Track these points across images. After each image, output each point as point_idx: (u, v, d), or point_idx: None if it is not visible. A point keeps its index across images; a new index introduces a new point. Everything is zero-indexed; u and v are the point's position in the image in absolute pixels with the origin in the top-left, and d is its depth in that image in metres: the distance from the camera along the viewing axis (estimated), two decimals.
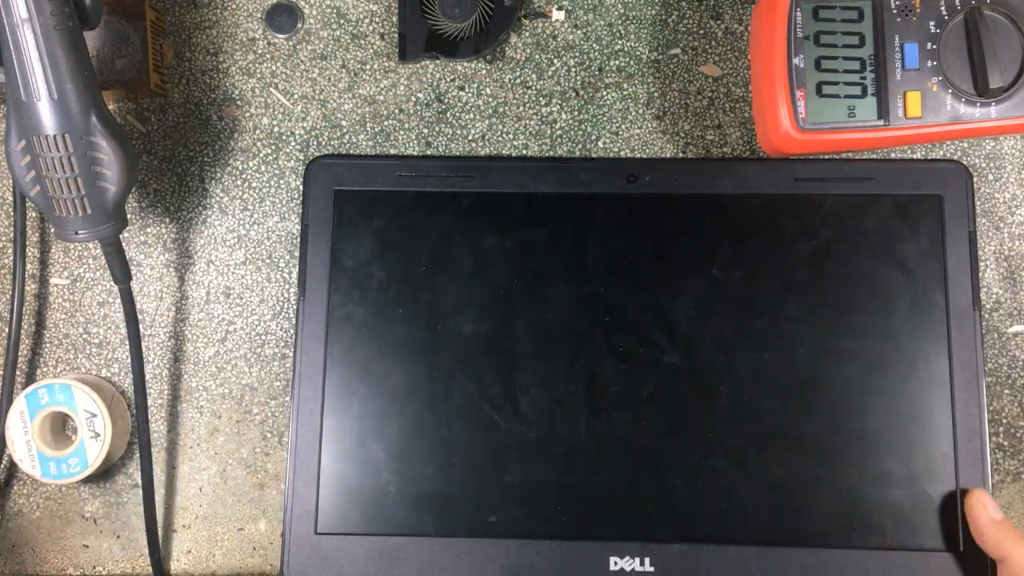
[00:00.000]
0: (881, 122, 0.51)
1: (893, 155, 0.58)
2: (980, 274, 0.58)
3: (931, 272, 0.55)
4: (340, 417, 0.55)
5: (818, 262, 0.55)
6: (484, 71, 0.59)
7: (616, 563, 0.53)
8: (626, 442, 0.54)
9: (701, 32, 0.58)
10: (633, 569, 0.53)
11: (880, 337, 0.54)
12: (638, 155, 0.59)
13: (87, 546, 0.61)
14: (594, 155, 0.59)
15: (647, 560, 0.53)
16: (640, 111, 0.59)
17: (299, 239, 0.58)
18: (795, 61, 0.51)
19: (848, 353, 0.54)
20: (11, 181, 0.60)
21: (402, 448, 0.55)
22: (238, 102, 0.60)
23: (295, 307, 0.57)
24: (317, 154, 0.59)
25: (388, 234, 0.56)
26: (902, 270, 0.55)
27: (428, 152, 0.59)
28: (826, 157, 0.57)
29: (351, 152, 0.59)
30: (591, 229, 0.55)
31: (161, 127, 0.60)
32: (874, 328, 0.54)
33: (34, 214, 0.60)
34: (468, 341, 0.55)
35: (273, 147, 0.60)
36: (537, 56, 0.59)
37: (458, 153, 0.59)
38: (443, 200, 0.56)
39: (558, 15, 0.58)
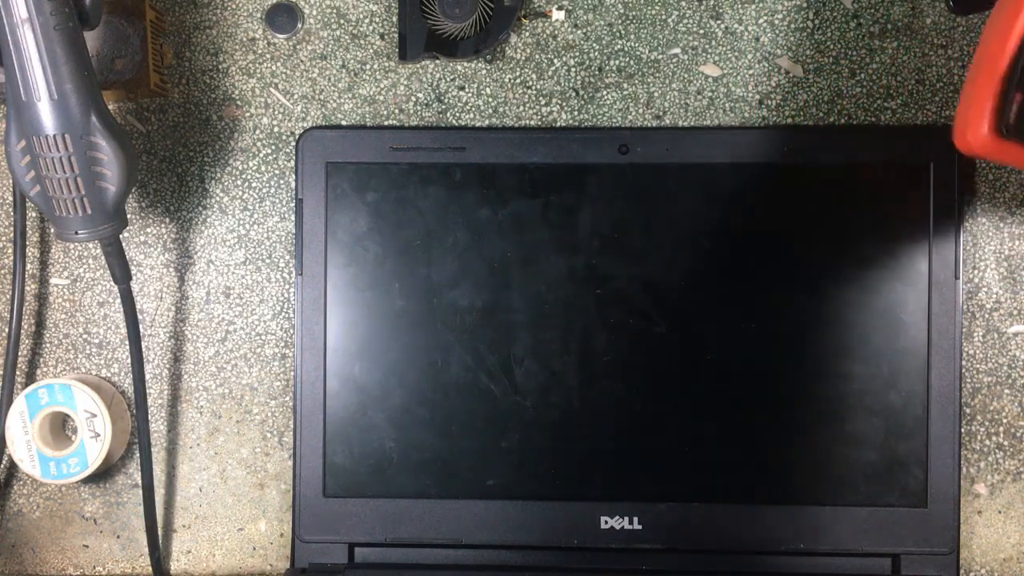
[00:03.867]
0: None
1: (883, 122, 0.58)
2: (980, 274, 0.58)
3: (916, 241, 0.55)
4: (342, 387, 0.57)
5: (806, 231, 0.56)
6: (484, 71, 0.59)
7: (607, 522, 0.56)
8: (616, 409, 0.56)
9: (701, 32, 0.58)
10: (623, 527, 0.56)
11: (864, 305, 0.56)
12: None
13: (87, 546, 0.61)
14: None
15: (635, 519, 0.56)
16: (640, 111, 0.59)
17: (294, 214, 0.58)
18: None
19: (831, 321, 0.56)
20: (11, 181, 0.60)
21: (403, 417, 0.57)
22: (238, 102, 0.60)
23: (293, 282, 0.58)
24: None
25: (382, 207, 0.57)
26: (888, 239, 0.56)
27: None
28: (815, 125, 0.57)
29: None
30: (583, 200, 0.56)
31: (161, 127, 0.60)
32: (858, 296, 0.56)
33: (34, 214, 0.60)
34: (463, 313, 0.56)
35: (273, 147, 0.60)
36: (537, 56, 0.59)
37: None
38: (436, 172, 0.57)
39: (558, 15, 0.58)
